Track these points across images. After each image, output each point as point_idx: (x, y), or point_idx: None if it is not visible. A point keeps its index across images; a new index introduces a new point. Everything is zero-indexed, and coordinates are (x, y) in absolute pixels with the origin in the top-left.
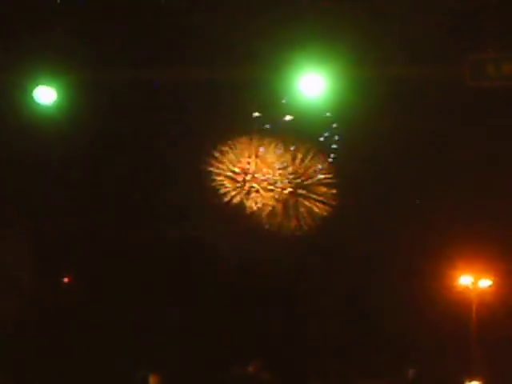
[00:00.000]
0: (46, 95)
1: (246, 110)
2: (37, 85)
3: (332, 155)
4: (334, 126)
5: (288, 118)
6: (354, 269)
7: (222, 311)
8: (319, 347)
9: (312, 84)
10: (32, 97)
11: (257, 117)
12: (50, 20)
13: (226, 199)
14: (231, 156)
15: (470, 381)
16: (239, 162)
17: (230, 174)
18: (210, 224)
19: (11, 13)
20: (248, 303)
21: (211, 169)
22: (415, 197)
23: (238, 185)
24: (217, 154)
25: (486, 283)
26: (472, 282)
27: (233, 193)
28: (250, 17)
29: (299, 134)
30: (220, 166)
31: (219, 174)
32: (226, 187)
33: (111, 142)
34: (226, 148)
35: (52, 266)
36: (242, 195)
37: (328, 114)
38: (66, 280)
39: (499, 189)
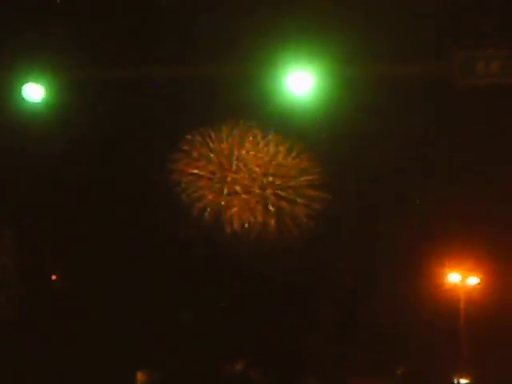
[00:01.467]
0: (34, 92)
1: (234, 109)
2: (25, 82)
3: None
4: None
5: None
6: (342, 268)
7: (210, 310)
8: (308, 346)
9: (300, 82)
10: (20, 94)
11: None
12: (38, 18)
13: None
14: (205, 151)
15: (459, 378)
16: (217, 156)
17: (202, 173)
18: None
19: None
20: (236, 300)
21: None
22: (403, 196)
23: (215, 185)
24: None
25: (474, 281)
26: (460, 279)
27: (209, 196)
28: (237, 15)
29: (287, 133)
30: (192, 163)
31: (191, 174)
32: (199, 188)
33: (100, 139)
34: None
35: (39, 263)
36: (218, 198)
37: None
38: (53, 277)
39: (487, 187)
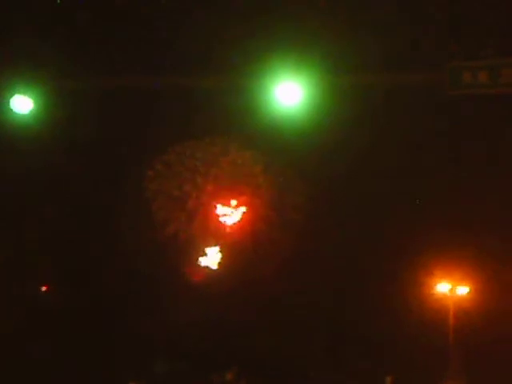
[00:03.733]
0: (22, 104)
1: (221, 120)
2: (13, 94)
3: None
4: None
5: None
6: (331, 276)
7: (201, 319)
8: (298, 356)
9: (289, 92)
10: (8, 105)
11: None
12: (26, 29)
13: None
14: (180, 169)
15: None
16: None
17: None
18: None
19: None
20: (225, 311)
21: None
22: (393, 205)
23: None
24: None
25: (463, 290)
26: (449, 289)
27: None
28: (226, 26)
29: (274, 144)
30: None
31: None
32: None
33: (86, 150)
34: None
35: (29, 274)
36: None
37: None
38: (43, 289)
39: (476, 197)
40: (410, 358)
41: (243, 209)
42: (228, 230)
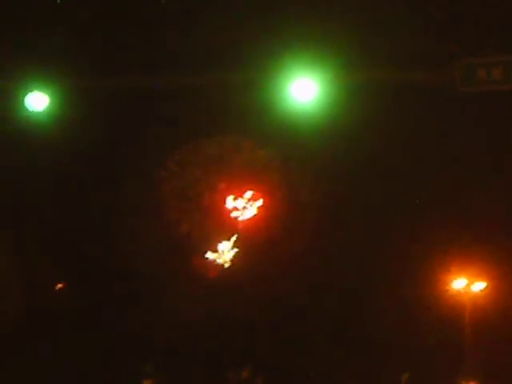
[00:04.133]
0: (37, 101)
1: (235, 117)
2: (29, 91)
3: None
4: None
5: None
6: (345, 273)
7: (215, 316)
8: (313, 352)
9: (304, 89)
10: (23, 103)
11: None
12: (42, 25)
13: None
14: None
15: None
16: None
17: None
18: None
19: (2, 18)
20: (238, 307)
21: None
22: (407, 200)
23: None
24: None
25: (479, 286)
26: (465, 285)
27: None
28: (240, 21)
29: (288, 141)
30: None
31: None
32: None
33: (103, 149)
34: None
35: (44, 272)
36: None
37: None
38: (59, 286)
39: (493, 191)
40: (426, 354)
41: (258, 203)
42: (240, 225)
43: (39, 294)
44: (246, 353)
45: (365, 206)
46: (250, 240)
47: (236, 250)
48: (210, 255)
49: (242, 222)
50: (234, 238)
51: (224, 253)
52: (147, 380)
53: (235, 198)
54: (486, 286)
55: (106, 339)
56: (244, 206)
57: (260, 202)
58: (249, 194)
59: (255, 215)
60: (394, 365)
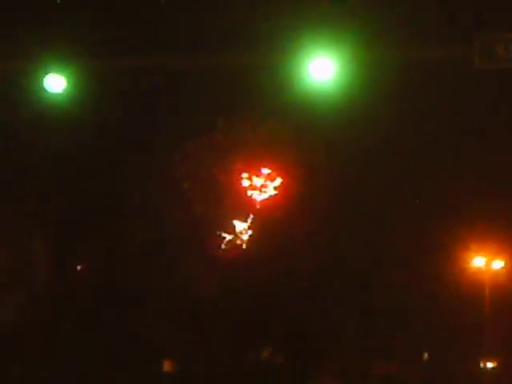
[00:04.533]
0: (55, 83)
1: (254, 95)
2: (47, 73)
3: None
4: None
5: None
6: (367, 253)
7: (234, 298)
8: (335, 332)
9: (322, 68)
10: (42, 85)
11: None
12: (60, 8)
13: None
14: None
15: (486, 362)
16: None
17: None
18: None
19: (21, 2)
20: (261, 290)
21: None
22: (428, 181)
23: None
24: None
25: (498, 264)
26: (485, 263)
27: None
28: (258, 2)
29: (307, 119)
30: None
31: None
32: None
33: (117, 130)
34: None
35: (65, 253)
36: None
37: None
38: (79, 267)
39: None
40: (447, 333)
41: (276, 183)
42: (258, 205)
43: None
44: (265, 334)
45: (382, 184)
46: (267, 219)
47: (251, 231)
48: (226, 236)
49: (260, 202)
50: (250, 219)
51: (241, 233)
52: (168, 360)
53: (250, 177)
54: (505, 264)
55: (127, 318)
56: (262, 184)
57: (277, 182)
58: (266, 171)
59: (273, 196)
60: (415, 343)
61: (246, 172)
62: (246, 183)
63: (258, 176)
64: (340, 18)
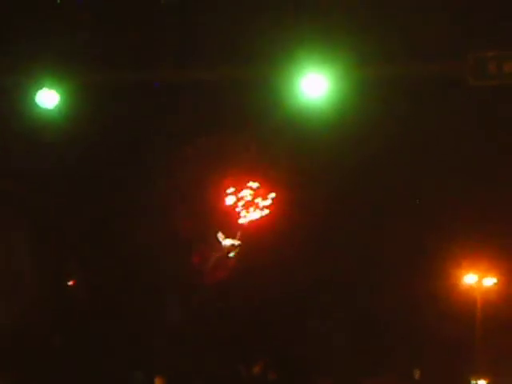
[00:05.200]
0: (48, 99)
1: (246, 112)
2: (39, 88)
3: None
4: None
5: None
6: (357, 269)
7: (226, 311)
8: (324, 347)
9: (314, 84)
10: (34, 100)
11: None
12: (52, 23)
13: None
14: None
15: (477, 379)
16: None
17: None
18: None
19: (13, 16)
20: (252, 303)
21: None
22: (417, 196)
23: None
24: None
25: (490, 281)
26: (476, 280)
27: None
28: (251, 16)
29: (299, 136)
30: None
31: None
32: None
33: (113, 145)
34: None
35: (56, 268)
36: None
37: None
38: (70, 283)
39: (503, 187)
40: (438, 349)
41: (267, 200)
42: (246, 225)
43: (52, 288)
44: (257, 348)
45: (374, 201)
46: (255, 235)
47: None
48: (214, 252)
49: (249, 222)
50: (237, 236)
51: (229, 250)
52: (159, 377)
53: (238, 192)
54: (497, 282)
55: (117, 332)
56: (252, 202)
57: (268, 200)
58: (255, 185)
59: (263, 216)
60: (406, 360)
61: (234, 187)
62: (233, 199)
63: (246, 194)
64: (332, 34)
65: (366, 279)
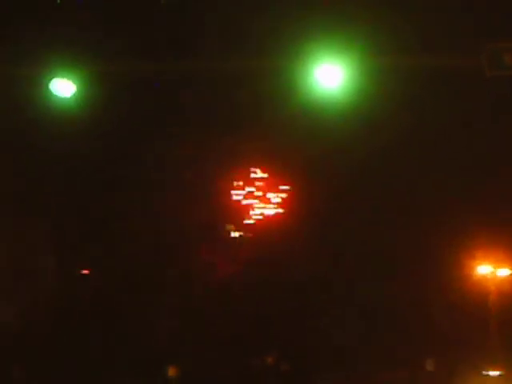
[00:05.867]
0: (63, 87)
1: (262, 102)
2: (54, 77)
3: None
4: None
5: None
6: (371, 259)
7: (239, 303)
8: (339, 339)
9: (329, 74)
10: (49, 89)
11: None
12: (68, 12)
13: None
14: None
15: (490, 370)
16: None
17: None
18: None
19: (29, 6)
20: (264, 294)
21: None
22: (434, 189)
23: None
24: None
25: (504, 272)
26: (490, 271)
27: None
28: (267, 7)
29: (314, 126)
30: None
31: None
32: None
33: (128, 134)
34: None
35: (71, 258)
36: None
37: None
38: (85, 272)
39: None
40: (452, 340)
41: (282, 195)
42: (254, 220)
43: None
44: (271, 340)
45: (389, 192)
46: (263, 229)
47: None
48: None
49: (261, 217)
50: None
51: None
52: (172, 366)
53: (249, 185)
54: (511, 273)
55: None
56: (264, 197)
57: (278, 198)
58: (263, 176)
59: (277, 212)
60: (419, 350)
61: (243, 181)
62: (242, 193)
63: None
64: (348, 24)
65: (379, 270)
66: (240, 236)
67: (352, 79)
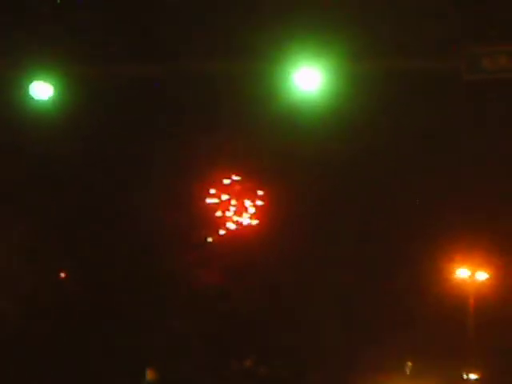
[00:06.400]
0: (42, 90)
1: (240, 106)
2: (33, 80)
3: None
4: None
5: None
6: (349, 261)
7: (216, 307)
8: (316, 341)
9: (308, 78)
10: (28, 92)
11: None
12: (47, 15)
13: None
14: None
15: (468, 373)
16: None
17: None
18: None
19: (7, 8)
20: (242, 297)
21: None
22: (412, 193)
23: None
24: None
25: (483, 276)
26: (469, 274)
27: None
28: (245, 10)
29: (292, 130)
30: None
31: None
32: None
33: (107, 138)
34: None
35: (48, 261)
36: None
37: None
38: (62, 275)
39: (495, 181)
40: (430, 344)
41: (255, 205)
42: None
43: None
44: (249, 343)
45: (368, 196)
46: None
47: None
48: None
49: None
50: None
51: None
52: (150, 369)
53: (223, 193)
54: (490, 276)
55: (109, 329)
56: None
57: (253, 207)
58: (236, 178)
59: (250, 224)
60: (398, 353)
61: (222, 186)
62: (216, 201)
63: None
64: (326, 28)
65: (358, 275)
66: (212, 241)
67: (330, 83)
